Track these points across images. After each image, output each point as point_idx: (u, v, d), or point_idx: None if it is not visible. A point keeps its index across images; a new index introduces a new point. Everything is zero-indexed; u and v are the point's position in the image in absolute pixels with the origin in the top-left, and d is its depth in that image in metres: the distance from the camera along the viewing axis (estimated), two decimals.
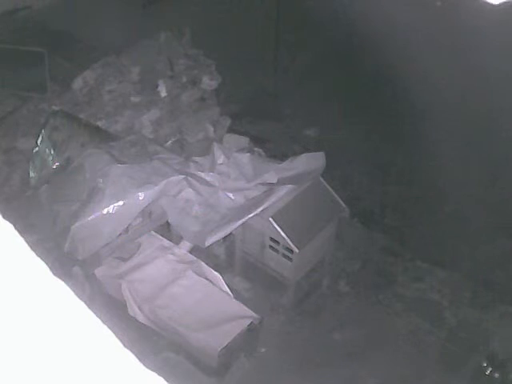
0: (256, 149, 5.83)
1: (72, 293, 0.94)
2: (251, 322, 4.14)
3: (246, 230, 4.73)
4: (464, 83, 5.50)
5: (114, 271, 4.37)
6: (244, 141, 5.81)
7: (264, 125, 6.80)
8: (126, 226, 4.18)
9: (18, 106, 4.68)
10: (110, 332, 0.91)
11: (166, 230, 4.90)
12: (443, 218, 5.84)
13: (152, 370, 0.90)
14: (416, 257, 5.44)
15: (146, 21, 6.59)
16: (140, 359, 0.89)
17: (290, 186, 4.55)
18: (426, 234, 5.83)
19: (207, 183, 4.55)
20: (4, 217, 1.00)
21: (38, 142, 4.53)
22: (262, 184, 4.68)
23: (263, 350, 4.54)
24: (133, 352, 0.90)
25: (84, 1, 6.57)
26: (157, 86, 5.41)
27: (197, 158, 4.94)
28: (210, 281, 4.41)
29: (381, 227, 5.84)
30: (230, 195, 4.67)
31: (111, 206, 4.03)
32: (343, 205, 4.85)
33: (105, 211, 4.02)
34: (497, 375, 4.17)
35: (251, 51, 6.68)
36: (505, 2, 2.73)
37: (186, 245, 4.80)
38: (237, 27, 6.65)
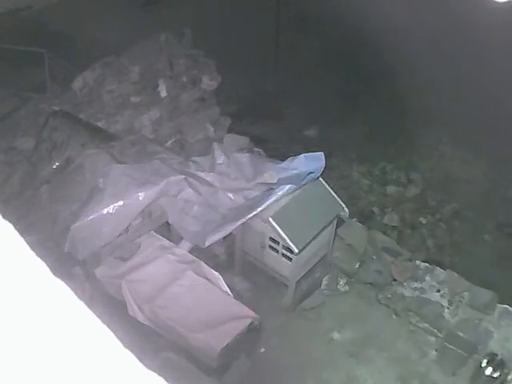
0: (256, 149, 5.82)
1: (72, 293, 0.94)
2: (251, 322, 4.13)
3: (245, 229, 4.73)
4: (465, 84, 5.50)
5: (114, 271, 4.36)
6: (244, 141, 5.80)
7: (264, 125, 6.81)
8: (126, 226, 4.18)
9: (18, 106, 4.68)
10: (110, 332, 0.91)
11: (166, 229, 4.90)
12: (443, 217, 5.84)
13: (152, 370, 0.90)
14: (416, 257, 5.44)
15: (146, 21, 6.60)
16: (140, 359, 0.89)
17: (289, 185, 4.55)
18: (425, 234, 5.83)
19: (207, 183, 4.54)
20: (4, 217, 1.00)
21: (38, 142, 4.54)
22: (262, 184, 4.68)
23: (263, 349, 4.54)
24: (133, 352, 0.90)
25: (84, 1, 6.58)
26: (157, 86, 5.41)
27: (197, 158, 4.94)
28: (210, 281, 4.41)
29: (380, 227, 5.84)
30: (230, 195, 4.66)
31: (111, 206, 4.03)
32: (343, 205, 4.85)
33: (105, 211, 4.02)
34: (497, 375, 4.16)
35: (251, 51, 6.69)
36: (507, 2, 2.72)
37: (186, 245, 4.80)
38: (237, 27, 6.65)
